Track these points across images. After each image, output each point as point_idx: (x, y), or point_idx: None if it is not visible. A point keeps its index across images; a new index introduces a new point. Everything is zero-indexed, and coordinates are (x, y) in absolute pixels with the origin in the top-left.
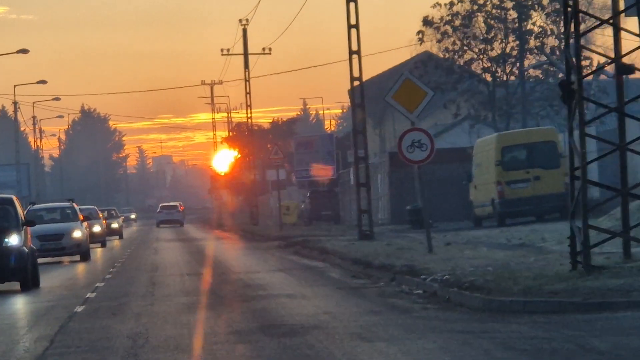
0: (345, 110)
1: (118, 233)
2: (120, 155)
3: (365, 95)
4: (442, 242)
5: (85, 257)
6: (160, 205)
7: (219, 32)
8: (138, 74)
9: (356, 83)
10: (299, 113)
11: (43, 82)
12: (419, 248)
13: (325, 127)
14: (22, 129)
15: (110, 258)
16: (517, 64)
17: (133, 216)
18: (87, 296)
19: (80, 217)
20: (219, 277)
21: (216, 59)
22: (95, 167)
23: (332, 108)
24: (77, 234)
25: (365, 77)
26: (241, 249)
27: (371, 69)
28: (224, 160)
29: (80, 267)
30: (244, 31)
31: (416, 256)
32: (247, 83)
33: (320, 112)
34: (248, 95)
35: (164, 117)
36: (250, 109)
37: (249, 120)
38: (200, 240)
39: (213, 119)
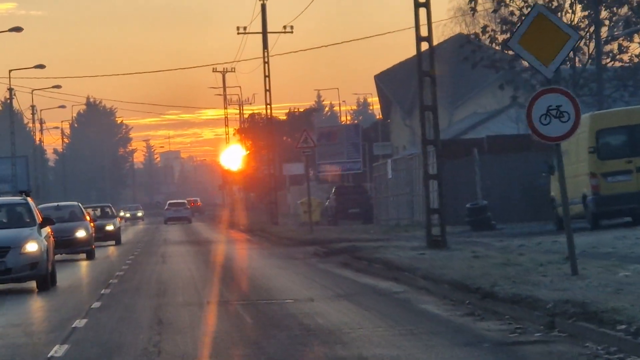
0: (362, 102)
1: (114, 237)
2: (127, 149)
3: (392, 81)
4: (539, 252)
5: (43, 283)
6: (168, 202)
7: (235, 13)
8: (147, 64)
9: (424, 46)
10: (312, 105)
11: (41, 66)
12: (536, 265)
13: (342, 121)
14: (25, 122)
15: (98, 277)
16: (589, 37)
17: (140, 214)
18: None
19: (39, 218)
20: (256, 309)
21: (229, 45)
22: (100, 162)
23: (348, 101)
24: (31, 247)
25: (393, 61)
26: (270, 258)
27: (400, 52)
28: (235, 154)
29: (38, 303)
30: (263, 7)
31: (557, 281)
32: (266, 65)
33: (336, 105)
34: (267, 79)
35: (172, 114)
36: (270, 95)
37: (268, 107)
38: (214, 243)
39: (225, 108)
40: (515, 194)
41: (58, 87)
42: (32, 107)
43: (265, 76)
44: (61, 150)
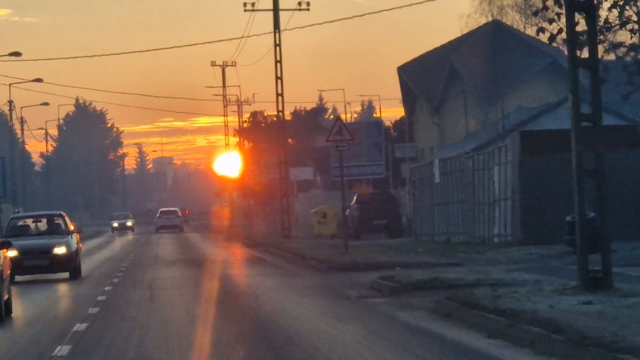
0: (367, 105)
1: (66, 266)
2: (118, 154)
3: (418, 74)
4: None
5: None
6: (160, 210)
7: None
8: (139, 66)
9: None
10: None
11: (17, 54)
12: None
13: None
14: (10, 123)
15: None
16: None
17: (130, 223)
18: None
19: None
20: None
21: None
22: (89, 167)
23: (352, 104)
24: None
25: (418, 52)
26: (308, 295)
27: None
28: (234, 158)
29: None
30: None
31: None
32: (278, 49)
33: (339, 107)
34: (278, 65)
35: (165, 121)
36: (282, 84)
37: (280, 98)
38: (218, 264)
39: (225, 106)
40: (620, 201)
41: (39, 80)
42: (10, 102)
43: (276, 62)
44: (45, 152)
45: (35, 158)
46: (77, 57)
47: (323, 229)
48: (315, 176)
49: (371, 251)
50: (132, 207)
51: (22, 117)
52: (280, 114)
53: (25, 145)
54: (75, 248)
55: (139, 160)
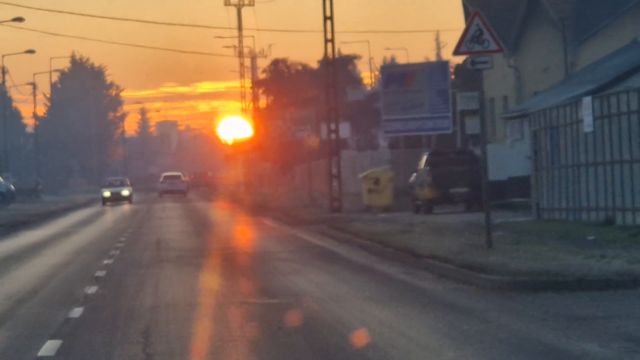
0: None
1: None
2: (118, 114)
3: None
4: None
5: None
6: (163, 174)
7: None
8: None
9: None
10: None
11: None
12: None
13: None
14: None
15: None
16: None
17: (126, 192)
18: None
19: None
20: None
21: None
22: (86, 129)
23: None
24: None
25: None
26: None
27: None
28: (248, 117)
29: None
30: None
31: None
32: None
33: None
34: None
35: (167, 86)
36: (333, 24)
37: (329, 45)
38: (268, 263)
39: (240, 51)
40: None
41: (19, 19)
42: None
43: None
44: (33, 106)
45: (29, 121)
46: (73, 13)
47: (375, 198)
48: (353, 135)
49: (518, 242)
50: (133, 173)
51: (3, 67)
52: (330, 58)
53: (14, 104)
54: None
55: (141, 122)
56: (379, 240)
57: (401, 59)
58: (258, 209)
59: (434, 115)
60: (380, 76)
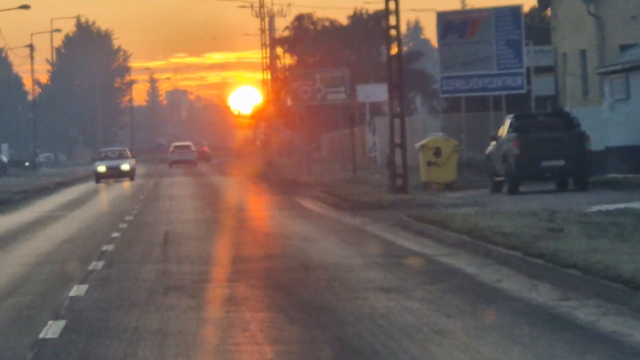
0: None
1: None
2: (125, 80)
3: None
4: None
5: None
6: (173, 144)
7: None
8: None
9: None
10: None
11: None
12: None
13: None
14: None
15: None
16: None
17: (126, 166)
18: None
19: None
20: None
21: None
22: (92, 96)
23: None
24: None
25: None
26: None
27: None
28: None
29: None
30: None
31: None
32: None
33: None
34: None
35: (177, 57)
36: None
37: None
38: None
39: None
40: None
41: (26, 7)
42: None
43: None
44: (31, 70)
45: (28, 86)
46: None
47: (436, 173)
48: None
49: None
50: (141, 143)
51: None
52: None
53: (15, 67)
54: None
55: (150, 92)
56: (529, 251)
57: (426, 23)
58: (289, 186)
59: (504, 71)
60: (436, 26)
